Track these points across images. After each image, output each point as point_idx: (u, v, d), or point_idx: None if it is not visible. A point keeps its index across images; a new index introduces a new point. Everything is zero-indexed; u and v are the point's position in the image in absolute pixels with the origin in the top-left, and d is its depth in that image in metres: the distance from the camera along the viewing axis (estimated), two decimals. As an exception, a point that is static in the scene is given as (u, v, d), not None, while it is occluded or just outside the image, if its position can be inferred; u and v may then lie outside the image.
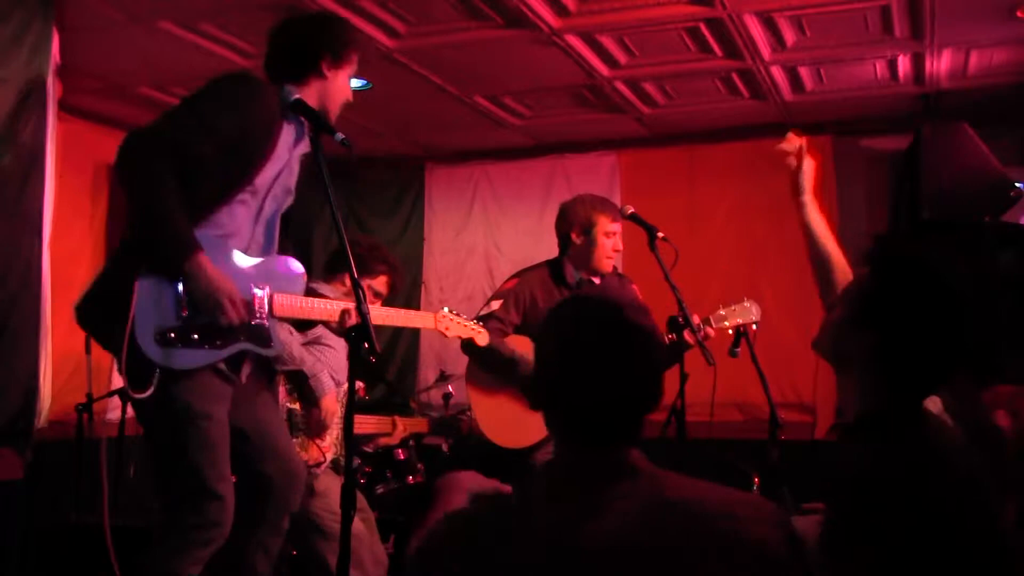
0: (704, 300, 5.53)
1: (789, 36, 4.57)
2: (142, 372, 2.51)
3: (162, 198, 2.50)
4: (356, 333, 2.27)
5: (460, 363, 7.05)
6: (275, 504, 2.79)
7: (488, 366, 3.87)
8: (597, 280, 3.99)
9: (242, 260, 2.70)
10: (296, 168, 2.84)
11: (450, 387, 5.30)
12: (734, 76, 5.13)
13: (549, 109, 5.79)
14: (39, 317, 4.10)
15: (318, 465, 3.64)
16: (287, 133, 2.74)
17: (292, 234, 2.94)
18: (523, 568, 1.40)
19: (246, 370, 2.78)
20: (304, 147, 2.82)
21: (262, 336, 2.72)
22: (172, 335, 2.54)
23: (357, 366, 2.41)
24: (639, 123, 6.01)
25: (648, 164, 6.41)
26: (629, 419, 1.53)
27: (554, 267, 3.97)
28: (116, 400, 5.00)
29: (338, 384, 3.62)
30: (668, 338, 3.64)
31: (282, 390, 3.61)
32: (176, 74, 5.07)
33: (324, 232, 6.30)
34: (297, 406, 3.66)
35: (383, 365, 6.69)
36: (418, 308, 6.88)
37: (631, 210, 3.89)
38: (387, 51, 4.64)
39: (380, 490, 4.40)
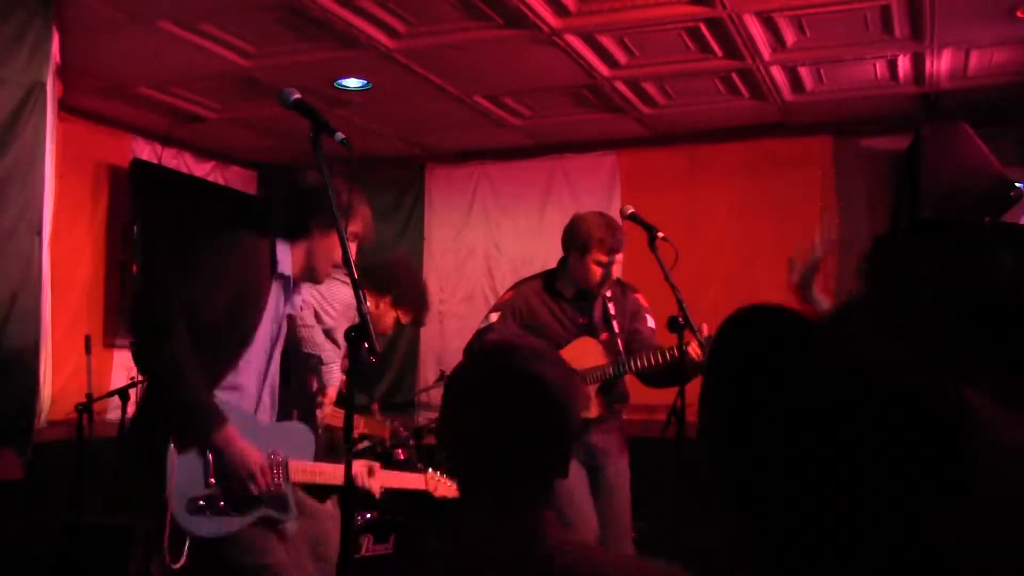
0: (704, 300, 5.54)
1: (789, 36, 4.57)
2: (175, 541, 2.60)
3: (185, 378, 2.60)
4: (356, 334, 2.26)
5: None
6: None
7: None
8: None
9: (256, 426, 2.80)
10: (286, 330, 2.96)
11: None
12: (734, 76, 5.13)
13: (549, 109, 5.79)
14: (39, 317, 4.10)
15: None
16: (276, 289, 2.86)
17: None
18: None
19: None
20: (290, 308, 2.95)
21: (282, 503, 2.84)
22: (202, 503, 2.65)
23: (357, 367, 2.42)
24: (639, 123, 6.01)
25: (648, 164, 6.41)
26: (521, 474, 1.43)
27: (548, 279, 4.03)
28: (116, 400, 5.01)
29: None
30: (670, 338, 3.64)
31: None
32: (176, 74, 5.07)
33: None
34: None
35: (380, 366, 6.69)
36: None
37: (631, 210, 3.89)
38: (387, 51, 4.64)
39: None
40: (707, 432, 1.05)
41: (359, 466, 3.13)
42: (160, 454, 2.60)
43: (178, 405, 2.64)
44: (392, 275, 4.22)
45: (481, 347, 1.51)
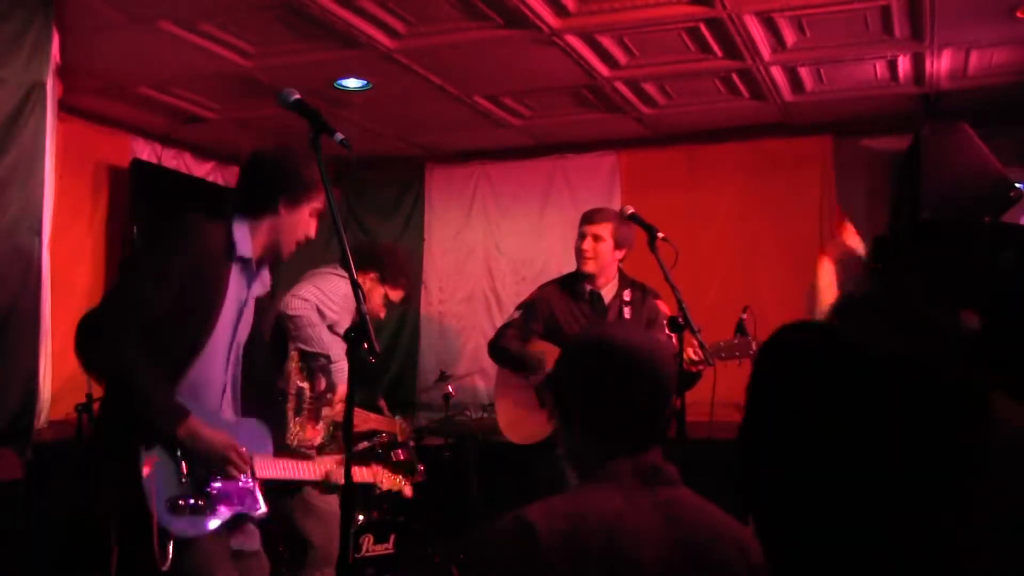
0: (704, 300, 5.55)
1: (789, 36, 4.57)
2: (160, 543, 2.57)
3: (139, 377, 2.58)
4: (355, 334, 2.26)
5: (460, 364, 7.05)
6: None
7: (504, 364, 4.35)
8: (605, 293, 4.21)
9: (218, 423, 2.77)
10: (251, 316, 2.91)
11: (450, 387, 5.30)
12: (734, 76, 5.13)
13: (549, 109, 5.78)
14: (39, 317, 4.10)
15: (313, 446, 3.77)
16: (236, 273, 2.81)
17: None
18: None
19: (238, 536, 2.85)
20: (259, 289, 2.91)
21: (252, 498, 2.82)
22: (181, 503, 2.63)
23: (356, 367, 2.41)
24: (639, 123, 6.01)
25: (648, 164, 6.41)
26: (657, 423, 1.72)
27: (568, 278, 4.31)
28: (116, 400, 5.01)
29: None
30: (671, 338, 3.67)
31: (295, 368, 3.76)
32: (176, 74, 5.07)
33: (324, 233, 6.30)
34: (306, 385, 3.75)
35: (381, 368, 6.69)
36: (418, 308, 6.89)
37: (631, 210, 3.91)
38: (387, 51, 4.64)
39: (380, 490, 4.39)
40: (752, 440, 1.13)
41: (331, 462, 3.12)
42: (131, 460, 2.57)
43: (139, 406, 2.60)
44: (374, 254, 4.21)
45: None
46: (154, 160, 6.10)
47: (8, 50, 3.90)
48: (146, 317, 2.61)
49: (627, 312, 4.13)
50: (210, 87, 5.32)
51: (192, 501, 2.64)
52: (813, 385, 1.06)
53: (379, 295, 4.19)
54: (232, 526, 2.79)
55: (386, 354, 6.72)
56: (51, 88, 4.09)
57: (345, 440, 2.27)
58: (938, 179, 4.15)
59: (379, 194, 7.05)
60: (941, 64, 4.92)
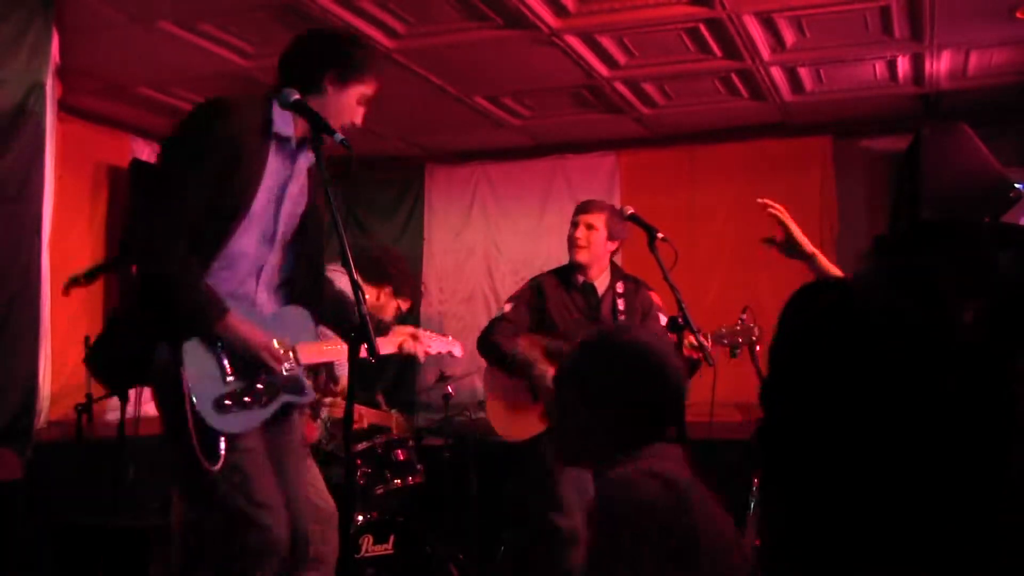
0: (704, 300, 5.55)
1: (789, 36, 4.57)
2: (209, 443, 2.56)
3: (180, 277, 2.54)
4: (355, 334, 2.26)
5: (460, 364, 7.08)
6: (298, 544, 2.77)
7: (492, 361, 4.28)
8: (599, 284, 4.18)
9: (255, 317, 2.73)
10: (302, 194, 2.83)
11: (450, 387, 5.30)
12: (734, 76, 5.13)
13: (549, 109, 5.79)
14: (39, 317, 4.10)
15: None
16: (275, 152, 2.72)
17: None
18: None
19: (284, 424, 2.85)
20: (304, 163, 2.80)
21: (298, 385, 2.81)
22: (228, 402, 2.60)
23: (356, 367, 2.42)
24: (639, 123, 6.01)
25: (648, 164, 6.41)
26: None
27: (562, 269, 4.26)
28: (116, 400, 5.00)
29: None
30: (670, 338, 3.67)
31: None
32: (176, 74, 5.07)
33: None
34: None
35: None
36: (418, 308, 6.89)
37: (631, 211, 3.91)
38: (387, 51, 4.64)
39: (379, 490, 4.39)
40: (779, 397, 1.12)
41: (402, 332, 3.12)
42: (170, 366, 2.53)
43: (178, 304, 2.55)
44: (386, 266, 4.28)
45: None
46: (154, 160, 6.10)
47: (8, 50, 3.90)
48: (189, 211, 2.56)
49: (620, 304, 4.11)
50: (210, 87, 5.30)
51: (239, 398, 2.62)
52: (834, 344, 1.08)
53: (393, 308, 4.27)
54: (281, 414, 2.79)
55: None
56: (51, 88, 4.09)
57: (345, 440, 2.28)
58: (938, 179, 4.15)
59: (379, 194, 7.04)
60: (941, 64, 4.92)
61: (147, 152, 6.07)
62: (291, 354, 2.76)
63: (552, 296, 4.17)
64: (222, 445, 2.55)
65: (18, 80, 3.95)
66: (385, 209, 7.05)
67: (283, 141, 2.73)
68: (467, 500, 5.41)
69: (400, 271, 4.33)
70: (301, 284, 2.90)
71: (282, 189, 2.75)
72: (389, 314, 4.26)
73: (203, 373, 2.57)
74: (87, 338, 5.18)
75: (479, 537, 5.35)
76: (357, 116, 2.85)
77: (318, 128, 2.49)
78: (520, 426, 4.15)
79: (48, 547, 4.60)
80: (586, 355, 2.12)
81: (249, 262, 2.72)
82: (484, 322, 6.72)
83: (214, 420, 2.55)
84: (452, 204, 6.95)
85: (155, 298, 2.58)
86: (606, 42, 4.65)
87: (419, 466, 4.61)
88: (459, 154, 6.83)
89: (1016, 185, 3.90)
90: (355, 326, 2.29)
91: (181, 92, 5.41)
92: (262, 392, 2.68)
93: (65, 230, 5.10)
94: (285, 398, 2.75)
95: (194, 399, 2.52)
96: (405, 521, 4.43)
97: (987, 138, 4.15)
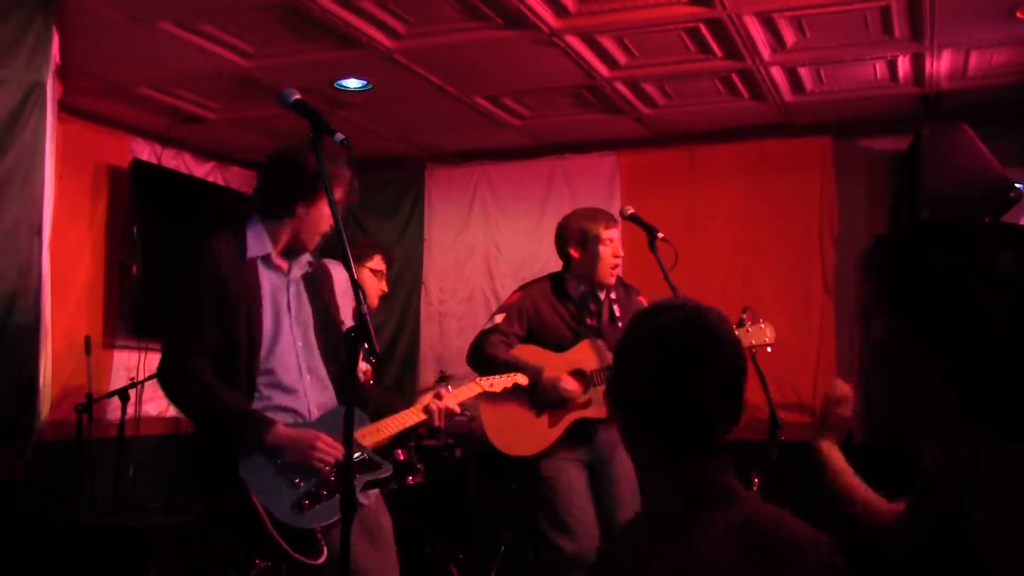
0: (704, 300, 5.53)
1: (789, 36, 4.57)
2: (307, 541, 2.71)
3: (216, 403, 2.75)
4: (355, 334, 2.26)
5: (460, 364, 7.06)
6: None
7: (485, 372, 3.86)
8: (602, 295, 4.01)
9: (307, 422, 2.89)
10: (305, 298, 3.00)
11: (450, 387, 5.29)
12: (734, 76, 5.13)
13: (549, 109, 5.79)
14: (39, 317, 4.09)
15: None
16: (264, 268, 2.91)
17: None
18: None
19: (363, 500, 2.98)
20: (298, 271, 2.99)
21: (371, 465, 2.95)
22: (305, 501, 2.74)
23: (355, 367, 2.44)
24: (639, 123, 6.01)
25: (648, 164, 6.41)
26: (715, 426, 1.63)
27: (556, 281, 4.02)
28: (116, 400, 5.01)
29: None
30: None
31: None
32: (176, 74, 5.07)
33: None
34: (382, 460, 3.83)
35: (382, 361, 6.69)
36: (418, 308, 6.89)
37: (631, 211, 3.90)
38: (387, 51, 4.64)
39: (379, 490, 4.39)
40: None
41: (427, 399, 3.20)
42: (235, 481, 2.68)
43: (224, 428, 2.75)
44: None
45: None
46: (154, 160, 6.10)
47: (8, 50, 3.90)
48: (206, 343, 2.77)
49: (617, 310, 4.03)
50: (210, 87, 5.32)
51: (316, 495, 2.76)
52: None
53: (365, 275, 4.24)
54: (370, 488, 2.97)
55: (386, 353, 6.72)
56: (51, 88, 4.09)
57: (345, 440, 2.27)
58: (938, 179, 4.16)
59: (379, 194, 7.04)
60: (941, 65, 4.92)
61: (147, 152, 6.08)
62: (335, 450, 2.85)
63: (545, 309, 3.96)
64: (319, 538, 2.72)
65: (18, 80, 3.95)
66: (385, 209, 7.05)
67: (263, 259, 2.92)
68: (467, 500, 5.41)
69: (353, 239, 4.30)
70: (334, 375, 3.05)
71: (283, 300, 2.93)
72: (371, 283, 4.25)
73: (266, 486, 2.72)
74: (87, 338, 5.22)
75: (479, 537, 5.36)
76: (329, 220, 2.97)
77: (318, 128, 2.49)
78: (524, 442, 3.90)
79: (48, 547, 4.60)
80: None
81: (290, 373, 2.89)
82: (484, 322, 6.74)
83: (298, 521, 2.69)
84: (452, 204, 6.95)
85: (209, 434, 2.82)
86: (606, 42, 4.64)
87: (419, 466, 4.61)
88: (459, 154, 6.83)
89: (1016, 185, 3.90)
90: (355, 326, 2.29)
91: (181, 92, 5.41)
92: (336, 483, 2.80)
93: (65, 230, 5.10)
94: (362, 480, 2.90)
95: (271, 512, 2.68)
96: (405, 521, 4.43)
97: (987, 138, 4.16)
